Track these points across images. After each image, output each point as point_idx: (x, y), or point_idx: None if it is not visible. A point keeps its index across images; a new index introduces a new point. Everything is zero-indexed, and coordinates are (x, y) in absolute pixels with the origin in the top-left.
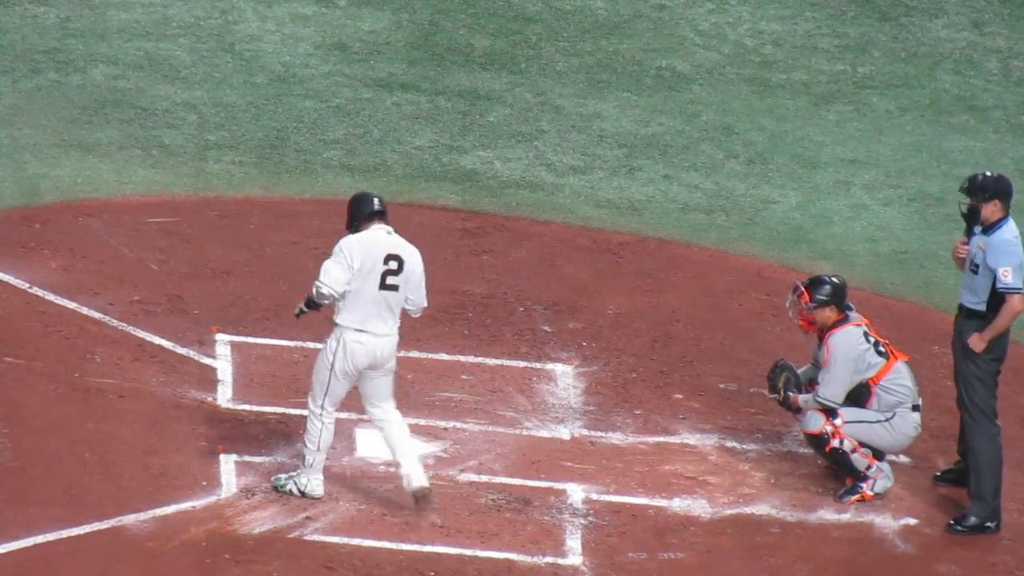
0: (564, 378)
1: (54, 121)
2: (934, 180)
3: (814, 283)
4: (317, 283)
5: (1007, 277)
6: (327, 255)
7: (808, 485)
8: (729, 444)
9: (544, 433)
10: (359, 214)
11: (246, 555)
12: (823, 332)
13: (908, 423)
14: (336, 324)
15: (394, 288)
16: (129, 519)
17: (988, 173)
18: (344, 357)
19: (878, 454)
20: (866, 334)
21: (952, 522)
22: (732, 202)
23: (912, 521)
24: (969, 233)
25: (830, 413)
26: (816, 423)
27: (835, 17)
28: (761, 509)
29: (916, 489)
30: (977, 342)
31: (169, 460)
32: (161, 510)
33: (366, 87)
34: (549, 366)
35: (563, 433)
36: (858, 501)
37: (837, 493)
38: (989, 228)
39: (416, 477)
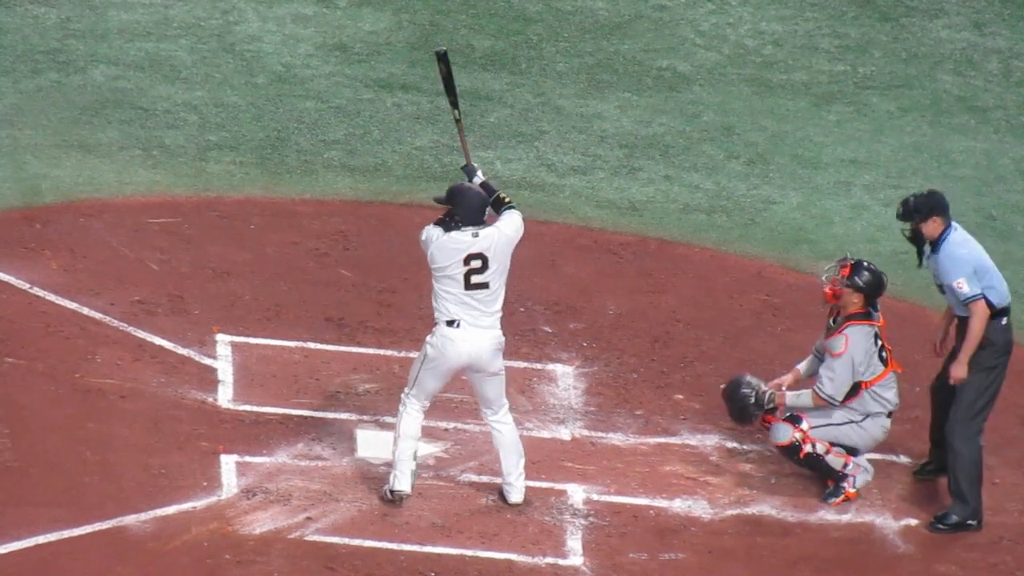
0: (565, 379)
1: (55, 121)
2: (935, 181)
3: (859, 265)
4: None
5: (963, 288)
6: (327, 255)
7: (808, 486)
8: (730, 445)
9: (545, 434)
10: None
11: (247, 555)
12: (839, 316)
13: (878, 427)
14: (435, 319)
15: (483, 286)
16: (130, 519)
17: (918, 193)
18: (434, 352)
19: (852, 450)
20: (877, 336)
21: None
22: (733, 202)
23: (912, 521)
24: (920, 254)
25: (793, 420)
26: (785, 434)
27: (835, 18)
28: (762, 509)
29: (916, 490)
30: (958, 370)
31: (170, 460)
32: (162, 510)
33: (367, 88)
34: (550, 367)
35: (564, 434)
36: (844, 501)
37: (822, 496)
38: (935, 245)
39: (514, 492)
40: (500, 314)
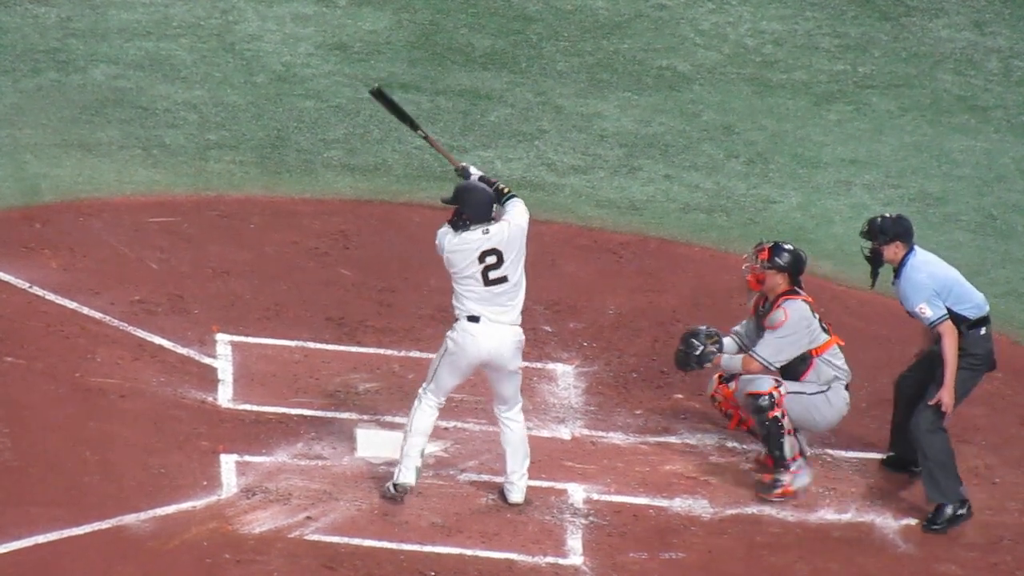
0: (565, 378)
1: (55, 121)
2: (935, 180)
3: (777, 247)
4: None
5: (926, 313)
6: (327, 255)
7: (808, 485)
8: (730, 444)
9: (545, 433)
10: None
11: (246, 555)
12: (769, 298)
13: (841, 398)
14: (455, 316)
15: (502, 280)
16: (129, 519)
17: (887, 215)
18: (454, 347)
19: (802, 448)
20: (811, 308)
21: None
22: (733, 202)
23: (912, 521)
24: (874, 275)
25: (777, 383)
26: (766, 383)
27: (835, 17)
28: (762, 509)
29: (916, 489)
30: (947, 395)
31: (169, 460)
32: (162, 510)
33: (367, 87)
34: (550, 366)
35: (564, 433)
36: (782, 496)
37: (759, 489)
38: (897, 271)
39: (514, 491)
40: (522, 307)
